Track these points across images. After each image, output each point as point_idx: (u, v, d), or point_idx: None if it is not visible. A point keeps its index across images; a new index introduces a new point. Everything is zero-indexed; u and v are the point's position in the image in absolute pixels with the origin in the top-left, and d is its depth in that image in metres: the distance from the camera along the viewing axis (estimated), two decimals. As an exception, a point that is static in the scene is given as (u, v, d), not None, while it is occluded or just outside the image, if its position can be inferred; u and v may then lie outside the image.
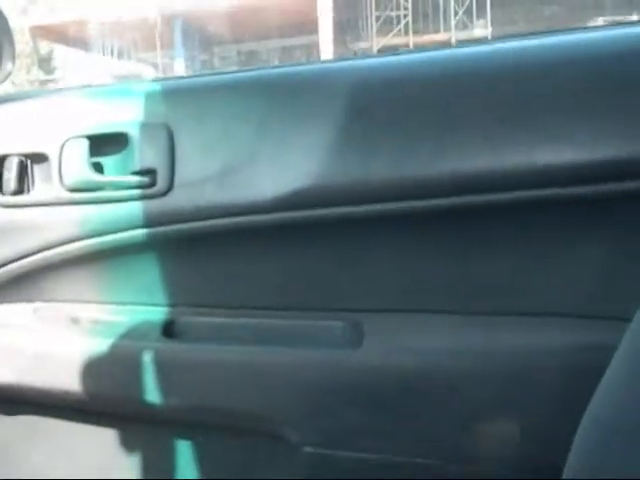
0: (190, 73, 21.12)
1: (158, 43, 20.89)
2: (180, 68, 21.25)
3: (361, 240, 0.80)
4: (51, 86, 19.43)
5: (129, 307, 0.83)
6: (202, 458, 0.84)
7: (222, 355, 0.80)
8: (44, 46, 21.28)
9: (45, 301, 0.85)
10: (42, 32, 19.15)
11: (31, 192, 0.81)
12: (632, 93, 0.72)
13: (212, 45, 23.55)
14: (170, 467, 0.85)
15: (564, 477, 0.54)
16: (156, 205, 0.78)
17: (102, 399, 0.83)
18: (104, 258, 0.81)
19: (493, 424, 0.76)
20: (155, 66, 23.94)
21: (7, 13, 1.05)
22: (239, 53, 24.35)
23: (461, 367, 0.76)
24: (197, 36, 21.99)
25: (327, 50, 19.55)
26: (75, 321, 0.84)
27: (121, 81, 21.82)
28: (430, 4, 22.76)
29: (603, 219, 0.74)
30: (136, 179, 0.79)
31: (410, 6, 21.88)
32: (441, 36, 22.38)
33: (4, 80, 1.02)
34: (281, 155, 0.77)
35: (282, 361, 0.79)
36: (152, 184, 0.79)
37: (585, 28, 0.87)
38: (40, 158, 0.80)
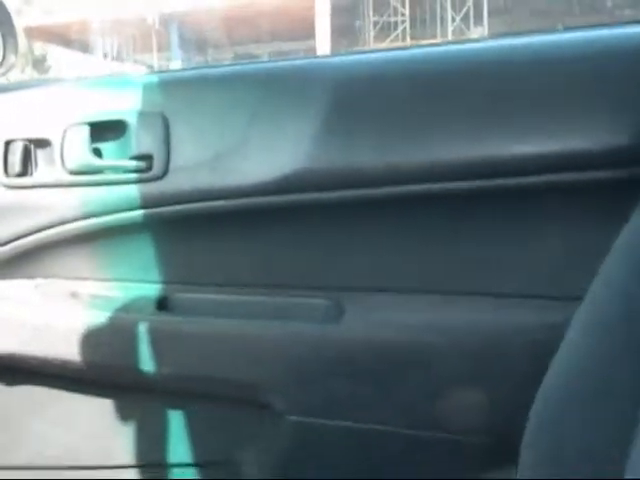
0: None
1: (155, 45, 20.91)
2: (176, 68, 21.36)
3: (343, 223, 0.85)
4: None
5: (126, 283, 0.88)
6: (192, 425, 0.89)
7: (212, 328, 0.85)
8: (38, 47, 21.30)
9: (46, 277, 0.89)
10: (36, 33, 19.17)
11: (34, 174, 0.85)
12: (600, 92, 0.77)
13: (208, 47, 23.60)
14: (162, 434, 0.90)
15: (524, 441, 0.59)
16: (152, 188, 0.83)
17: (99, 368, 0.87)
18: (103, 237, 0.86)
19: (465, 395, 0.80)
20: (151, 68, 24.02)
21: (10, 8, 1.09)
22: (236, 56, 24.42)
23: (436, 342, 0.81)
24: (194, 38, 22.03)
25: (324, 54, 19.59)
26: (74, 296, 0.88)
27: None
28: (428, 10, 22.87)
29: (568, 207, 0.78)
30: (134, 164, 0.83)
31: (408, 12, 21.98)
32: (437, 42, 22.54)
33: (8, 71, 1.06)
34: (269, 143, 0.81)
35: (268, 334, 0.84)
36: (149, 168, 0.83)
37: (559, 30, 0.92)
38: (43, 143, 0.84)
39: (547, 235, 0.79)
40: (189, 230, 0.87)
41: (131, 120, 0.82)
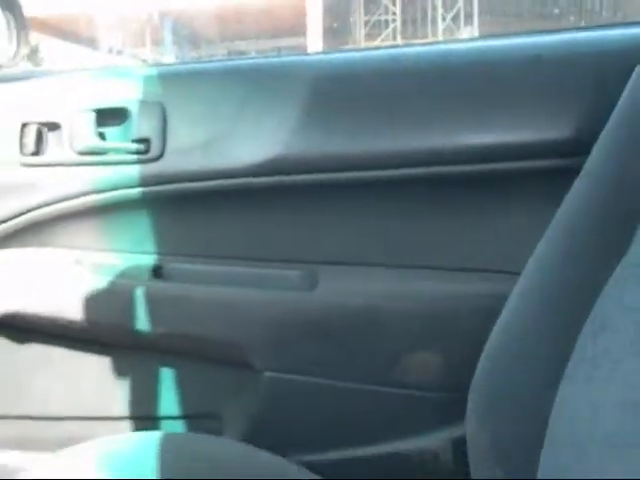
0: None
1: (148, 40, 20.87)
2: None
3: (319, 203, 0.96)
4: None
5: (125, 254, 0.99)
6: (181, 381, 1.00)
7: (200, 294, 0.96)
8: (32, 38, 21.25)
9: (55, 247, 1.00)
10: (31, 24, 19.14)
11: (46, 154, 0.96)
12: (547, 92, 0.88)
13: (202, 43, 23.57)
14: (154, 389, 1.01)
15: (470, 389, 0.71)
16: (150, 169, 0.94)
17: (99, 328, 0.98)
18: (105, 212, 0.97)
19: (421, 355, 0.92)
20: (145, 62, 23.98)
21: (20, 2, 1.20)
22: (228, 52, 24.42)
23: (397, 308, 0.93)
24: (187, 34, 22.00)
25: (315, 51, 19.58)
26: (79, 263, 0.99)
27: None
28: (419, 10, 22.95)
29: (514, 192, 0.90)
30: (133, 146, 0.94)
31: (399, 11, 22.04)
32: (428, 42, 22.60)
33: (20, 61, 1.17)
34: (256, 130, 0.93)
35: (250, 300, 0.95)
36: (147, 151, 0.94)
37: (513, 34, 1.04)
38: (54, 126, 0.95)
39: (496, 217, 0.91)
40: (182, 207, 0.98)
41: (132, 107, 0.93)
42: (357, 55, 1.02)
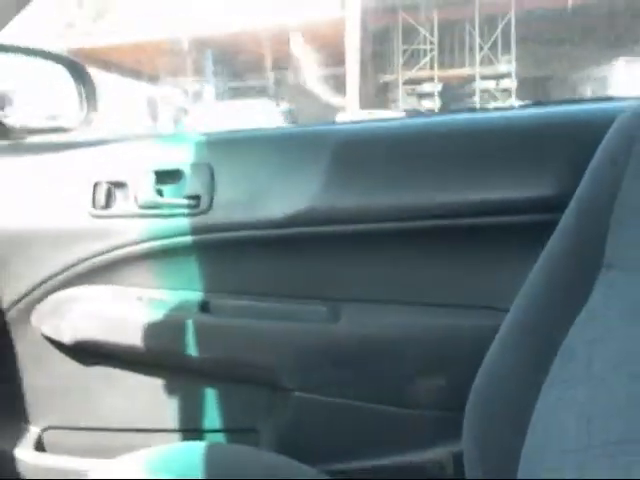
0: (219, 99, 21.52)
1: (189, 69, 21.26)
2: (210, 95, 21.56)
3: (340, 250, 1.11)
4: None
5: (177, 291, 1.14)
6: (222, 399, 1.14)
7: (240, 325, 1.11)
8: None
9: (119, 285, 1.16)
10: (77, 55, 19.66)
11: (114, 207, 1.12)
12: (526, 157, 1.03)
13: (242, 73, 23.92)
14: (200, 406, 1.16)
15: (466, 407, 0.85)
16: (199, 220, 1.09)
17: (155, 353, 1.13)
18: (162, 256, 1.12)
19: (426, 379, 1.06)
20: (185, 91, 24.45)
21: (90, 73, 1.38)
22: (268, 81, 24.72)
23: (406, 338, 1.06)
24: (227, 64, 22.37)
25: (353, 81, 19.72)
26: (139, 299, 1.15)
27: (152, 103, 22.20)
28: (456, 39, 23.08)
29: (505, 241, 1.04)
30: (186, 201, 1.10)
31: (436, 40, 22.17)
32: (466, 70, 22.67)
33: (89, 125, 1.35)
34: (287, 189, 1.08)
35: (282, 331, 1.10)
36: (197, 205, 1.10)
37: (511, 108, 1.19)
38: (121, 185, 1.12)
39: (488, 263, 1.05)
40: (226, 252, 1.13)
41: (185, 169, 1.09)
42: (370, 125, 1.17)
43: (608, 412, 0.63)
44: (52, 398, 1.19)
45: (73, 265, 1.12)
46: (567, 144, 1.00)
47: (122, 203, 1.12)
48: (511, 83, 21.85)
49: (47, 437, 1.19)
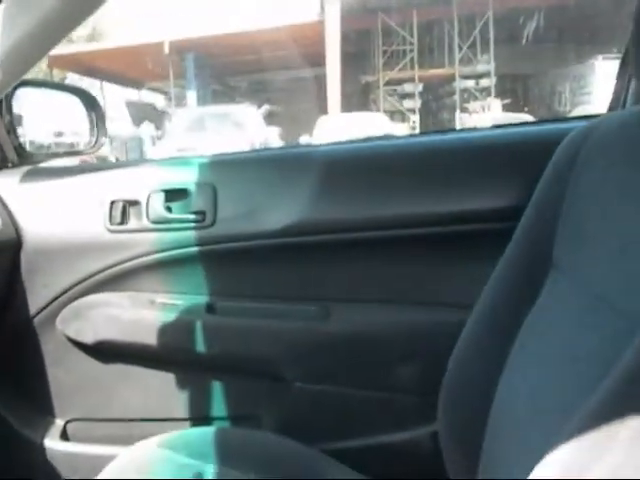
0: (201, 102, 21.52)
1: (171, 73, 21.15)
2: (192, 97, 21.52)
3: (329, 256, 1.25)
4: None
5: (186, 295, 1.28)
6: (228, 390, 1.29)
7: (243, 324, 1.25)
8: (57, 74, 21.72)
9: (134, 291, 1.30)
10: (58, 61, 19.57)
11: (129, 223, 1.26)
12: (488, 174, 1.18)
13: (223, 76, 23.93)
14: (208, 396, 1.30)
15: (440, 393, 1.00)
16: (205, 233, 1.24)
17: (167, 350, 1.27)
18: (171, 265, 1.26)
19: (407, 368, 1.21)
20: (167, 95, 24.45)
21: (99, 97, 1.52)
22: (250, 84, 24.77)
23: (388, 333, 1.22)
24: (209, 66, 22.37)
25: (334, 83, 19.77)
26: (152, 303, 1.29)
27: (135, 108, 22.09)
28: (436, 39, 23.25)
29: (471, 247, 1.19)
30: (192, 217, 1.24)
31: (416, 41, 22.31)
32: (445, 70, 22.74)
33: (98, 149, 1.50)
34: (281, 204, 1.23)
35: (279, 328, 1.25)
36: (202, 220, 1.24)
37: (475, 129, 1.36)
38: (135, 203, 1.26)
39: (458, 266, 1.20)
40: (228, 260, 1.28)
41: (191, 188, 1.24)
42: (352, 146, 1.33)
43: (554, 389, 0.79)
44: (75, 393, 1.33)
45: (93, 274, 1.27)
46: (522, 161, 1.16)
47: (135, 219, 1.26)
48: (490, 82, 22.11)
49: (71, 428, 1.33)
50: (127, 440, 1.16)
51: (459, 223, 1.19)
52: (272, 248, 1.25)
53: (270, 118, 18.14)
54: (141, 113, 21.60)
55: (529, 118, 16.37)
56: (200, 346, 1.26)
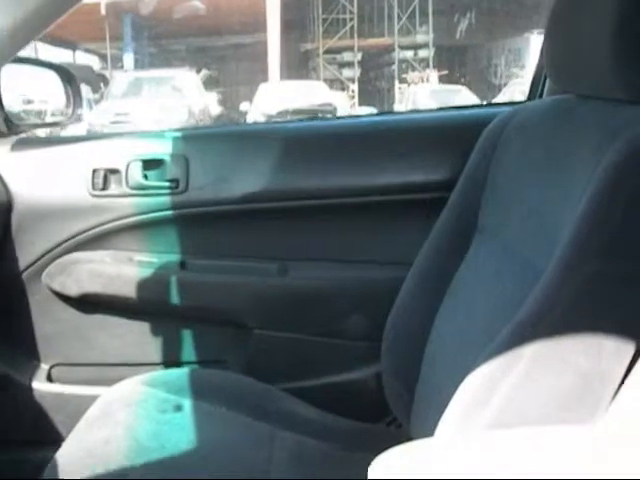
0: (138, 65, 21.11)
1: (107, 35, 20.61)
2: (129, 60, 21.07)
3: (286, 221, 1.43)
4: None
5: (161, 254, 1.44)
6: (197, 338, 1.45)
7: (211, 279, 1.41)
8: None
9: (114, 249, 1.44)
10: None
11: (109, 189, 1.40)
12: (429, 150, 1.38)
13: (161, 39, 23.45)
14: (179, 343, 1.46)
15: (383, 339, 1.19)
16: (178, 198, 1.39)
17: (143, 302, 1.41)
18: (148, 226, 1.41)
19: (355, 317, 1.39)
20: (103, 57, 23.86)
21: (75, 72, 1.65)
22: (188, 48, 24.36)
23: (339, 287, 1.40)
24: (146, 29, 21.90)
25: (274, 49, 19.67)
26: (130, 260, 1.43)
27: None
28: (375, 9, 23.29)
29: (406, 212, 1.38)
30: (167, 184, 1.39)
31: (356, 10, 22.34)
32: (385, 40, 22.79)
33: (75, 120, 1.63)
34: (249, 173, 1.39)
35: (245, 283, 1.41)
36: (176, 187, 1.39)
37: (416, 111, 1.56)
38: (115, 171, 1.40)
39: (400, 229, 1.39)
40: (199, 223, 1.43)
41: (166, 158, 1.39)
42: (309, 124, 1.52)
43: (476, 326, 0.99)
44: (59, 341, 1.47)
45: (77, 234, 1.41)
46: (455, 140, 1.35)
47: (116, 185, 1.41)
48: (429, 53, 22.30)
49: (55, 372, 1.47)
50: (106, 382, 1.31)
51: (400, 193, 1.39)
52: (237, 213, 1.42)
53: (209, 84, 18.00)
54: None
55: (465, 89, 16.76)
56: (173, 298, 1.42)
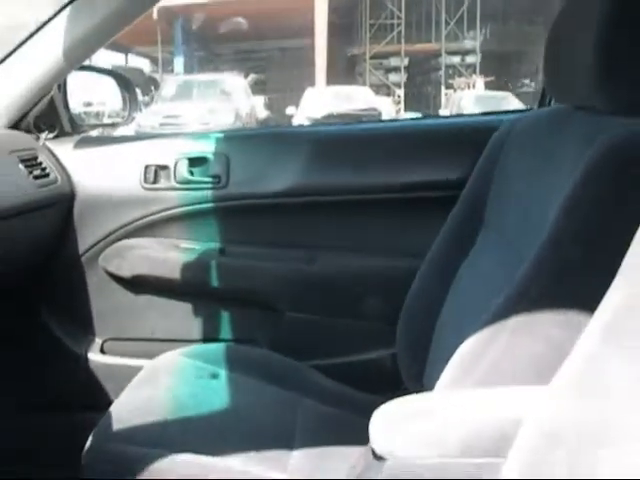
0: (187, 69, 21.44)
1: (159, 39, 20.94)
2: (179, 64, 21.42)
3: (316, 214, 1.57)
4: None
5: (203, 242, 1.59)
6: (233, 318, 1.60)
7: (248, 265, 1.57)
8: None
9: (163, 237, 1.60)
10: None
11: (159, 183, 1.57)
12: (445, 153, 1.51)
13: (210, 43, 23.74)
14: (217, 322, 1.61)
15: (399, 322, 1.32)
16: (219, 192, 1.54)
17: (187, 284, 1.57)
18: (192, 217, 1.56)
19: (376, 301, 1.51)
20: (154, 60, 24.29)
21: (133, 83, 1.83)
22: (236, 52, 24.61)
23: (360, 274, 1.52)
24: (196, 33, 22.21)
25: (321, 54, 19.76)
26: (176, 247, 1.59)
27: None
28: (423, 14, 23.21)
29: (424, 209, 1.50)
30: (210, 179, 1.55)
31: (403, 15, 22.31)
32: (432, 46, 22.73)
33: (131, 121, 1.81)
34: (281, 171, 1.54)
35: (276, 269, 1.55)
36: (218, 182, 1.54)
37: (435, 117, 1.70)
38: (164, 167, 1.56)
39: (416, 223, 1.51)
40: (238, 214, 1.58)
41: (210, 156, 1.54)
42: (340, 128, 1.66)
43: (475, 305, 1.11)
44: (112, 317, 1.64)
45: (130, 223, 1.57)
46: (467, 144, 1.46)
47: (165, 180, 1.58)
48: (476, 59, 22.25)
49: (107, 345, 1.64)
50: (152, 355, 1.43)
51: (416, 190, 1.53)
52: (271, 206, 1.57)
53: (256, 87, 18.21)
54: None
55: (511, 96, 16.62)
56: (212, 281, 1.58)
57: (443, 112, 17.74)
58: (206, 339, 1.63)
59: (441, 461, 0.77)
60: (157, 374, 1.31)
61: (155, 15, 19.34)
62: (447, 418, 0.79)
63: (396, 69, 23.01)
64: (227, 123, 11.81)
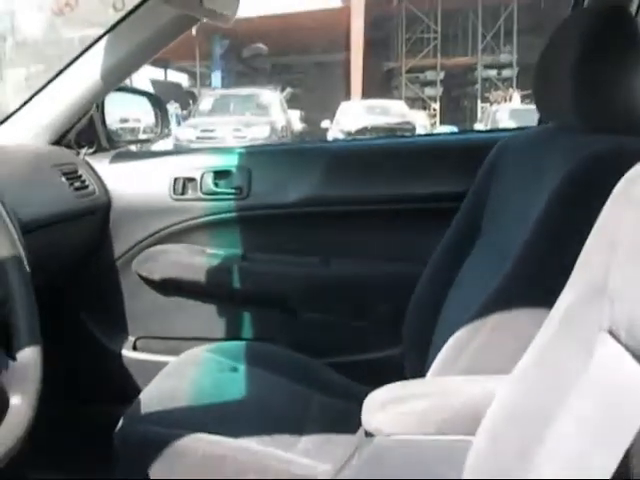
0: (225, 83, 21.74)
1: (197, 54, 21.24)
2: (217, 78, 21.69)
3: (331, 222, 1.69)
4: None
5: (227, 248, 1.71)
6: (253, 317, 1.71)
7: (268, 269, 1.69)
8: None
9: (190, 243, 1.73)
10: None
11: (187, 194, 1.70)
12: (448, 166, 1.62)
13: (248, 58, 23.97)
14: (238, 321, 1.73)
15: (405, 323, 1.43)
16: (241, 203, 1.66)
17: (212, 286, 1.68)
18: (217, 225, 1.68)
19: (383, 304, 1.61)
20: (192, 74, 24.68)
21: (164, 103, 1.97)
22: (273, 66, 24.87)
23: (371, 279, 1.64)
24: (234, 48, 22.49)
25: (357, 68, 19.86)
26: (203, 252, 1.72)
27: (161, 87, 22.21)
28: (460, 28, 23.24)
29: (426, 218, 1.61)
30: (233, 191, 1.67)
31: (439, 29, 22.29)
32: (468, 59, 22.91)
33: (163, 137, 1.96)
34: (299, 183, 1.66)
35: (293, 273, 1.67)
36: (240, 193, 1.67)
37: (440, 134, 1.81)
38: (192, 180, 1.69)
39: (420, 232, 1.61)
40: (259, 223, 1.70)
41: (233, 170, 1.67)
42: (353, 143, 1.78)
43: (468, 303, 1.21)
44: (143, 317, 1.76)
45: (161, 230, 1.70)
46: (467, 159, 1.52)
47: (192, 191, 1.71)
48: (512, 72, 22.14)
49: (139, 343, 1.77)
50: (178, 352, 1.54)
51: (422, 202, 1.64)
52: (290, 215, 1.69)
53: (292, 101, 18.39)
54: (166, 92, 21.79)
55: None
56: (235, 284, 1.70)
57: (478, 126, 17.75)
58: (228, 337, 1.74)
59: (421, 438, 0.90)
60: (183, 367, 1.42)
61: (194, 31, 19.73)
62: (428, 401, 0.92)
63: (432, 83, 22.98)
64: (263, 136, 11.93)
